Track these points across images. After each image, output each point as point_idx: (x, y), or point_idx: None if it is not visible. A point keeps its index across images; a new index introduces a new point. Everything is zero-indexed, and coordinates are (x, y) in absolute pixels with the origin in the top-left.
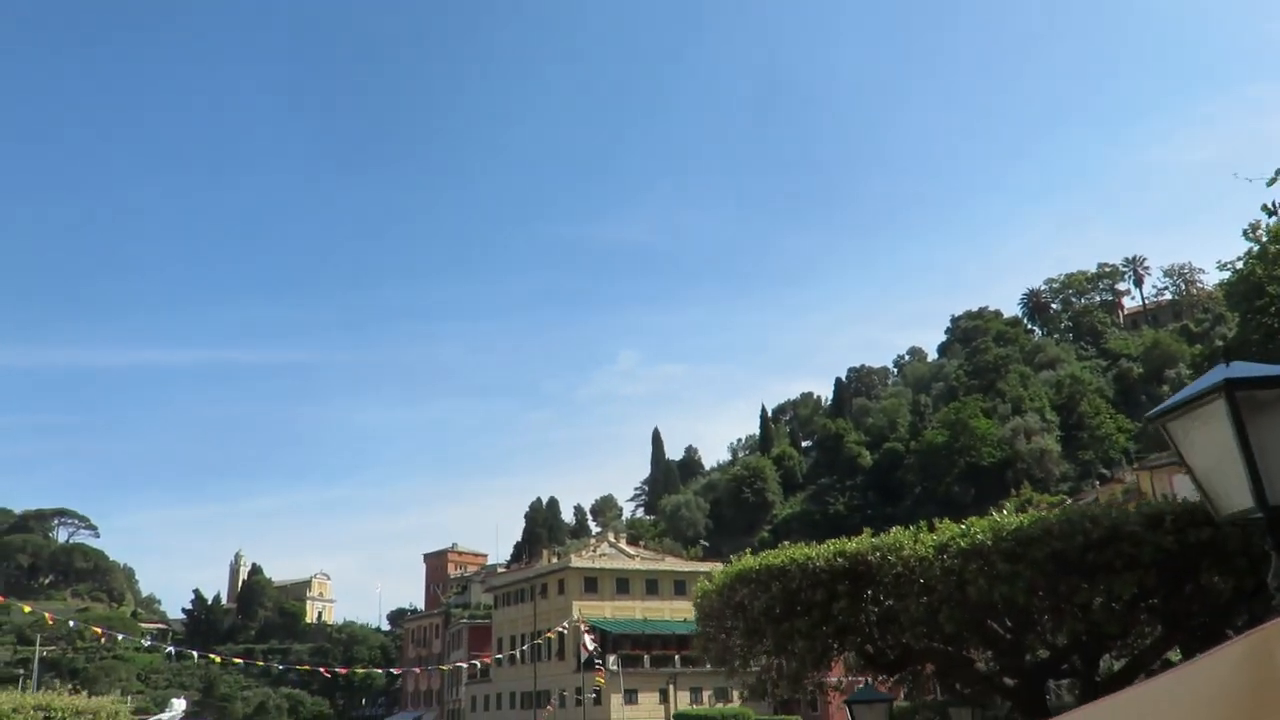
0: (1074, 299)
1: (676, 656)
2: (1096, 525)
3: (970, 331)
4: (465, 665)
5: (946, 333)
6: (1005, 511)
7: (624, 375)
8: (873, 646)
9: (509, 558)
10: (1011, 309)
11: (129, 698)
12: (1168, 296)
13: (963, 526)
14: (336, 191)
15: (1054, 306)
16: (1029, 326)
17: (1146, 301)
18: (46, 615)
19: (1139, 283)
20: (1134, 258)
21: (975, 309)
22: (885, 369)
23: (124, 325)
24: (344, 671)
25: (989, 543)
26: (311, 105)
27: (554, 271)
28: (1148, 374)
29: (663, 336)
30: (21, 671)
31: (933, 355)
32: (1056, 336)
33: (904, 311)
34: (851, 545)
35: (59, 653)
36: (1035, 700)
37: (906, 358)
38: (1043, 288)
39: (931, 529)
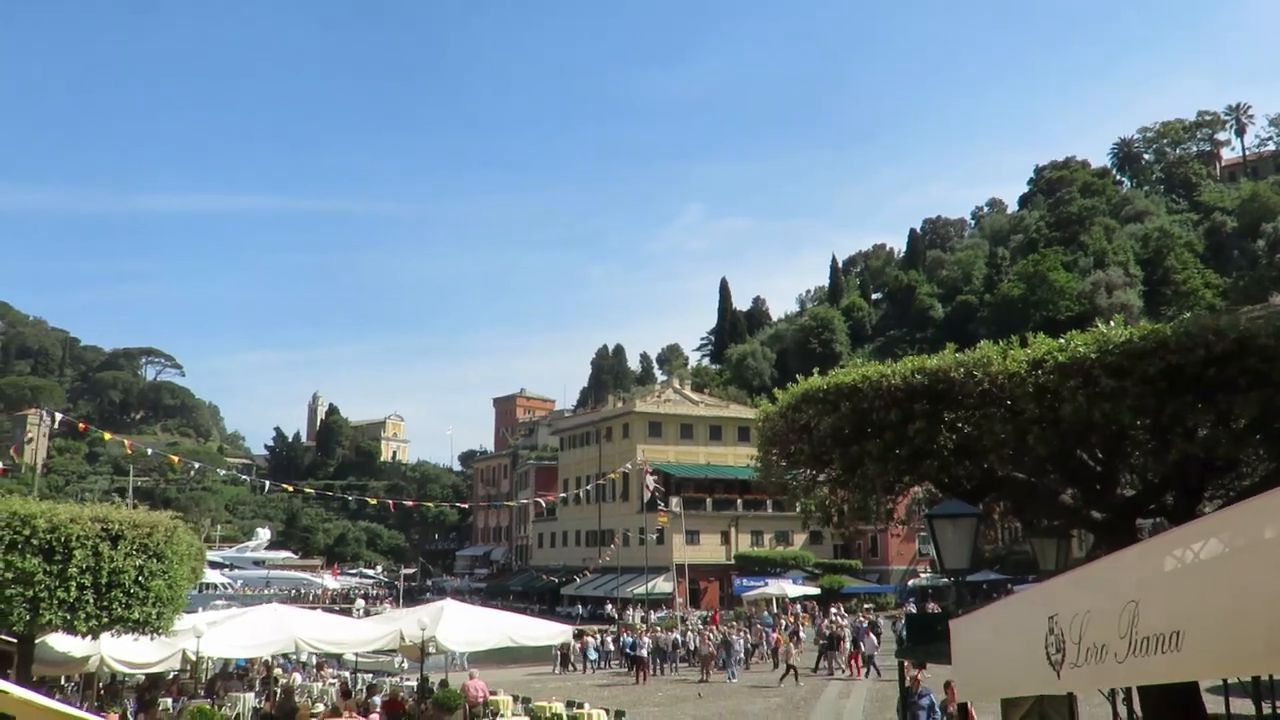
0: (1168, 149)
1: (739, 500)
2: (1221, 338)
3: (1055, 183)
4: (530, 502)
5: (1029, 184)
6: (1112, 324)
7: (689, 229)
8: (949, 474)
9: (575, 404)
10: (1100, 160)
11: (218, 526)
12: (1271, 147)
13: (1060, 341)
14: (405, 37)
15: (1146, 157)
16: (1118, 178)
17: (1248, 152)
18: (125, 441)
19: (1240, 132)
20: (1237, 106)
21: (1061, 159)
22: (962, 220)
23: (210, 171)
24: (412, 504)
25: (1092, 356)
26: None
27: (619, 123)
28: (1243, 228)
29: (728, 190)
30: (117, 500)
31: (1013, 208)
32: (1147, 189)
33: (982, 165)
34: (931, 362)
35: (152, 483)
36: (1124, 538)
37: (985, 209)
38: (1135, 137)
39: (1024, 344)
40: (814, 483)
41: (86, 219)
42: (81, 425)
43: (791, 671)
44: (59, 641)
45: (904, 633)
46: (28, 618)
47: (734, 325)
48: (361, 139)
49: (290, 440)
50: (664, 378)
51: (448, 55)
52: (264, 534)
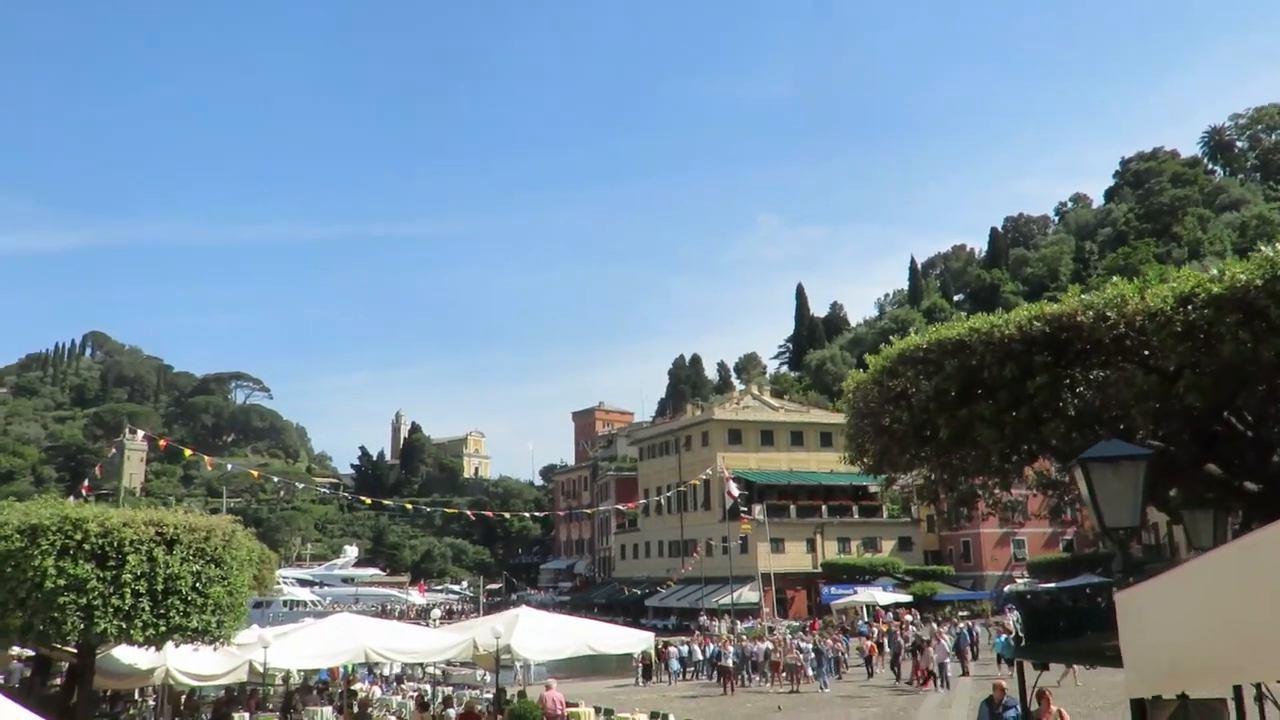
0: (1263, 135)
1: (823, 507)
2: None
3: (1142, 174)
4: (610, 509)
5: (1115, 176)
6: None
7: (765, 239)
8: (1078, 433)
9: (654, 414)
10: (1190, 149)
11: (307, 544)
12: None
13: (1212, 271)
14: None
15: (1239, 144)
16: (1210, 167)
17: None
18: (206, 459)
19: None
20: None
21: (1148, 150)
22: (1045, 217)
23: (293, 202)
24: (491, 515)
25: (1257, 284)
26: None
27: (689, 132)
28: None
29: (801, 197)
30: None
31: (1098, 202)
32: (1241, 177)
33: (1063, 160)
34: (1052, 307)
35: (244, 504)
36: None
37: (1069, 205)
38: (1227, 124)
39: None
40: (915, 458)
41: (178, 250)
42: (162, 442)
43: (931, 680)
44: (124, 654)
45: (1019, 629)
46: (82, 626)
47: (812, 331)
48: (433, 162)
49: (375, 459)
50: (742, 386)
51: (514, 70)
52: (351, 551)
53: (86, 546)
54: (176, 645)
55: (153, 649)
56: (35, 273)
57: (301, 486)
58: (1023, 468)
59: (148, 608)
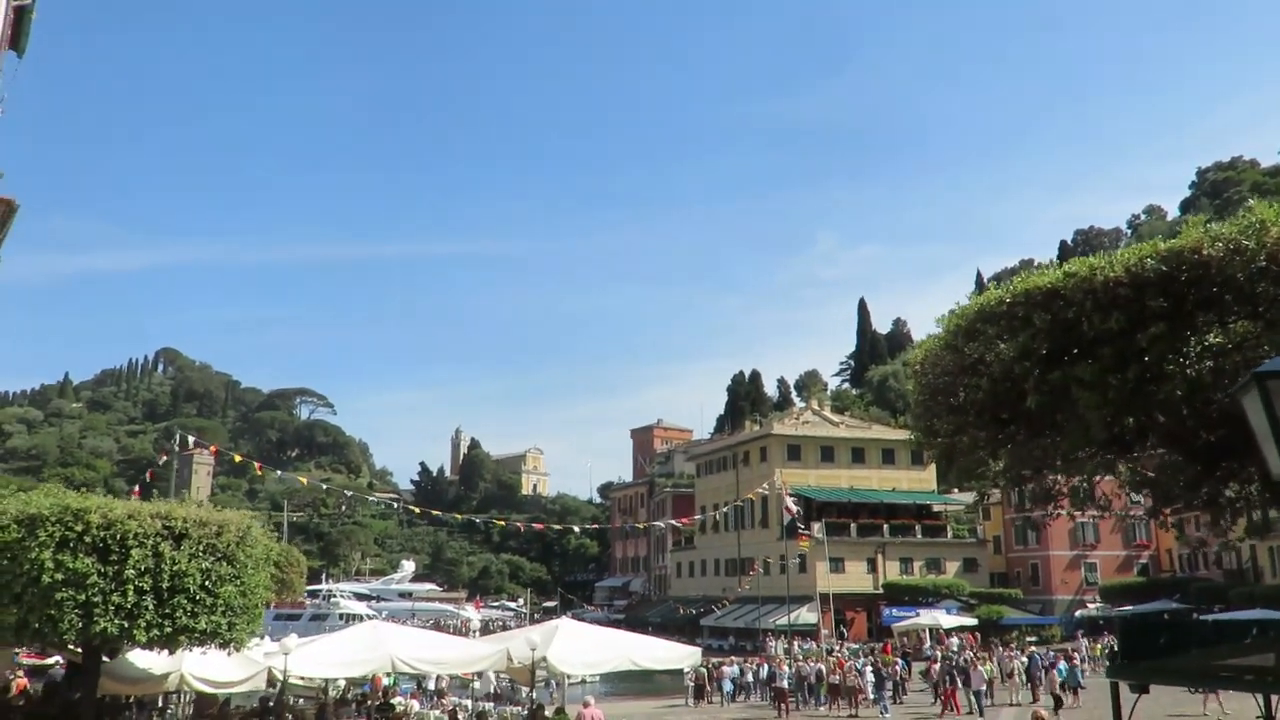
0: None
1: (885, 526)
2: None
3: (1220, 184)
4: (665, 524)
5: (1190, 187)
6: None
7: (823, 258)
8: (1190, 406)
9: (712, 431)
10: (1271, 158)
11: (367, 559)
12: None
13: None
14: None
15: None
16: None
17: None
18: (256, 465)
19: None
20: None
21: (1226, 160)
22: (1117, 230)
23: (352, 222)
24: (540, 528)
25: None
26: None
27: (747, 154)
28: None
29: (859, 216)
30: (276, 534)
31: (1173, 214)
32: None
33: (1133, 173)
34: (1167, 244)
35: (306, 518)
36: None
37: (1142, 217)
38: None
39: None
40: (996, 439)
41: (246, 269)
42: (212, 449)
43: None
44: (139, 658)
45: (1115, 645)
46: (80, 625)
47: (874, 347)
48: (494, 183)
49: (435, 475)
50: (802, 404)
51: (570, 93)
52: (409, 566)
53: (88, 539)
54: (189, 649)
55: (165, 653)
56: (113, 292)
57: (360, 497)
58: (1128, 446)
59: (151, 606)
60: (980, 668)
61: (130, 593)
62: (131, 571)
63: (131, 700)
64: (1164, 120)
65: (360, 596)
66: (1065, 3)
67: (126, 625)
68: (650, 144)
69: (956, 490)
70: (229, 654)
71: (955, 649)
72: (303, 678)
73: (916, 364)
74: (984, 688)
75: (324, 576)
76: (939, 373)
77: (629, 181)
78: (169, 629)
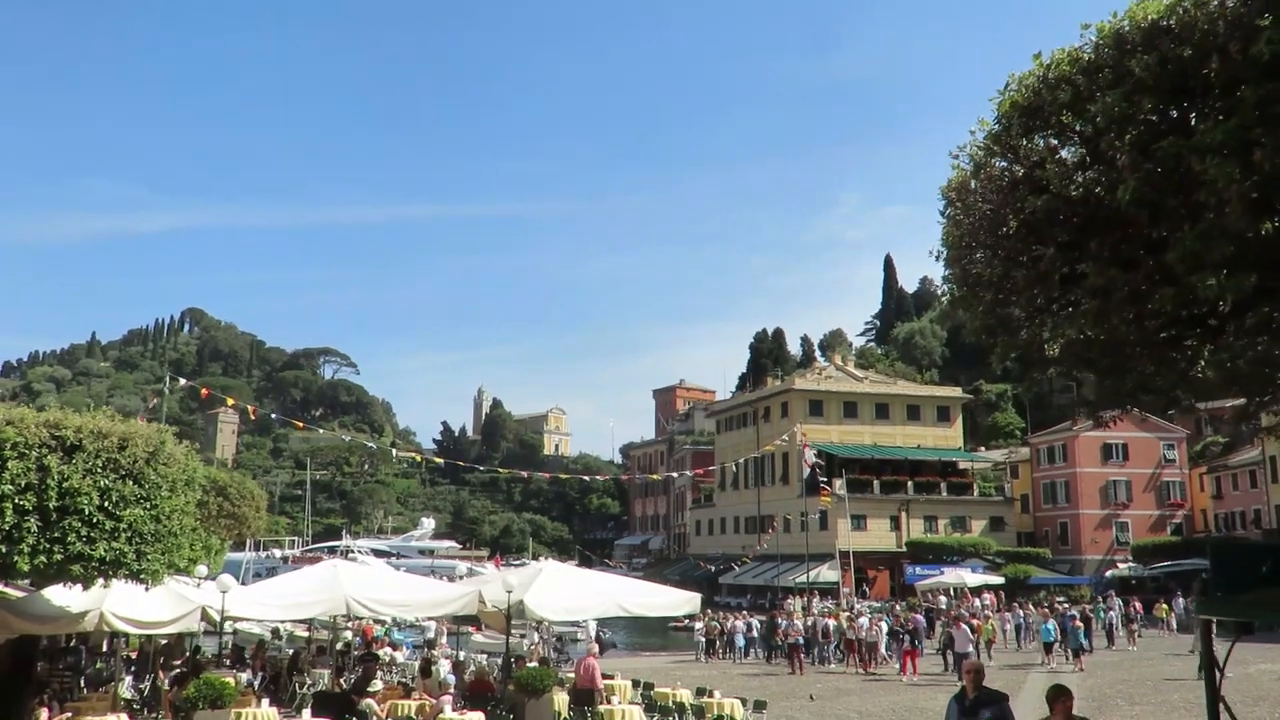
0: None
1: (909, 483)
2: None
3: None
4: (682, 476)
5: None
6: None
7: (846, 219)
8: None
9: (734, 389)
10: None
11: (389, 517)
12: None
13: None
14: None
15: None
16: None
17: None
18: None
19: None
20: None
21: None
22: None
23: (379, 183)
24: (560, 476)
25: None
26: None
27: (771, 112)
28: None
29: (884, 176)
30: (300, 492)
31: None
32: None
33: None
34: None
35: (329, 476)
36: None
37: None
38: None
39: None
40: (1070, 277)
41: (272, 231)
42: (230, 401)
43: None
44: (57, 594)
45: (1206, 577)
46: None
47: (900, 304)
48: (516, 144)
49: (456, 434)
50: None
51: (599, 56)
52: (429, 523)
53: None
54: (99, 582)
55: (79, 587)
56: (141, 253)
57: (383, 453)
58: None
59: (34, 528)
60: (963, 626)
61: (9, 512)
62: (9, 487)
63: (71, 642)
64: None
65: (379, 553)
66: None
67: (5, 550)
68: (673, 106)
69: (983, 448)
70: (146, 589)
71: (978, 607)
72: (246, 619)
73: (953, 188)
74: (970, 649)
75: (343, 533)
76: (989, 185)
77: (653, 144)
78: (59, 555)
